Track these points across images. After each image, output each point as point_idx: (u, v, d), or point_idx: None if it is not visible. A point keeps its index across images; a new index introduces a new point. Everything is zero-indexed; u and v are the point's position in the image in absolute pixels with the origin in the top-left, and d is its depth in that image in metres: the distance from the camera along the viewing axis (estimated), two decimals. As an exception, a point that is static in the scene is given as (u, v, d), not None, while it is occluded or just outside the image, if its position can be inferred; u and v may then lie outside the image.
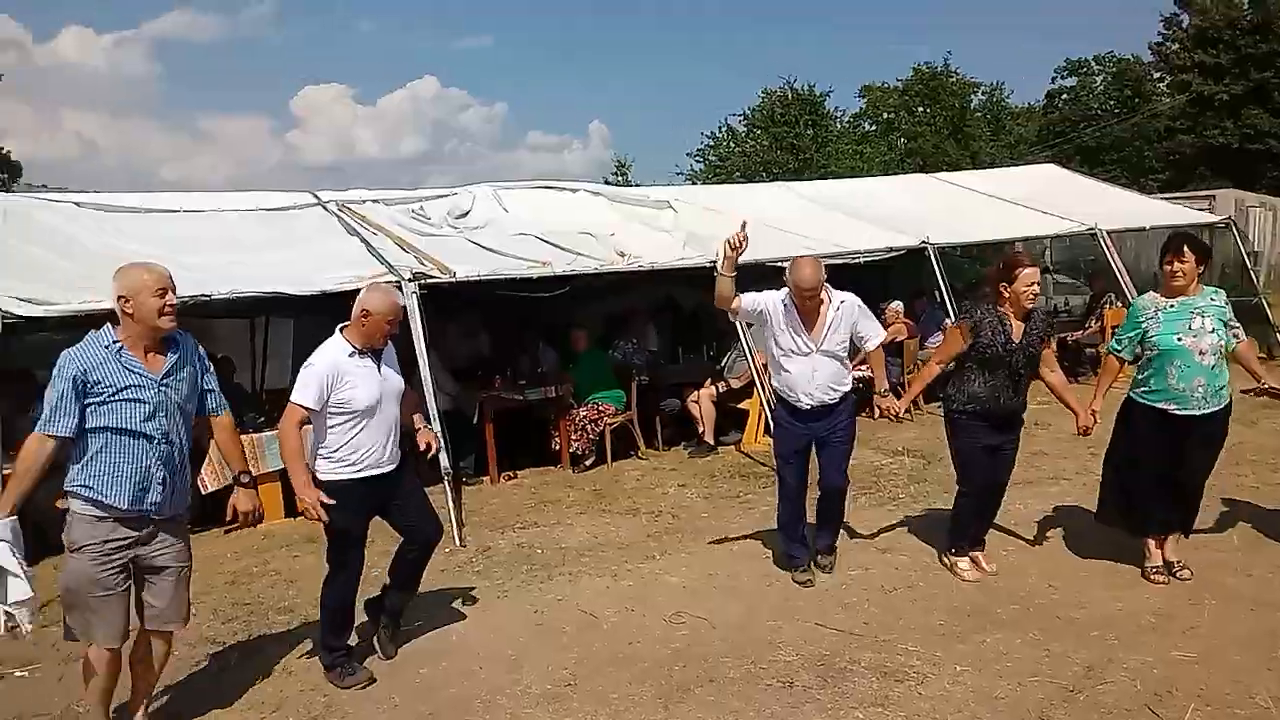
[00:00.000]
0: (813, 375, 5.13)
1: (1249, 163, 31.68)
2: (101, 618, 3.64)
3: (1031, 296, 5.00)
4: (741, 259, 9.43)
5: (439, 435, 4.77)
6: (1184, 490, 5.06)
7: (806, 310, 5.10)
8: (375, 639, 4.71)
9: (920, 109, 37.33)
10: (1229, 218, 12.68)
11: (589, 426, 8.72)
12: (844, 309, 5.16)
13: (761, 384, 8.47)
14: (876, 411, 5.53)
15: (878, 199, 12.41)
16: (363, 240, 8.42)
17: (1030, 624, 4.61)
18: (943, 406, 5.39)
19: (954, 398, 5.20)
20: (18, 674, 4.81)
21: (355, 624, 4.64)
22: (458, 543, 6.58)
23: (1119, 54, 40.75)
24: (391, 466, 4.43)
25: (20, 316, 6.27)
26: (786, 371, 5.21)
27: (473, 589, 5.63)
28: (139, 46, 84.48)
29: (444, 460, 6.94)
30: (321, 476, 4.25)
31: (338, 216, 9.06)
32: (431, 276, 7.59)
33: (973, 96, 38.17)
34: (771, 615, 4.93)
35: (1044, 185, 13.71)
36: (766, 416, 8.37)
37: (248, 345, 11.43)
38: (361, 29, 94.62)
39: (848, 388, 5.27)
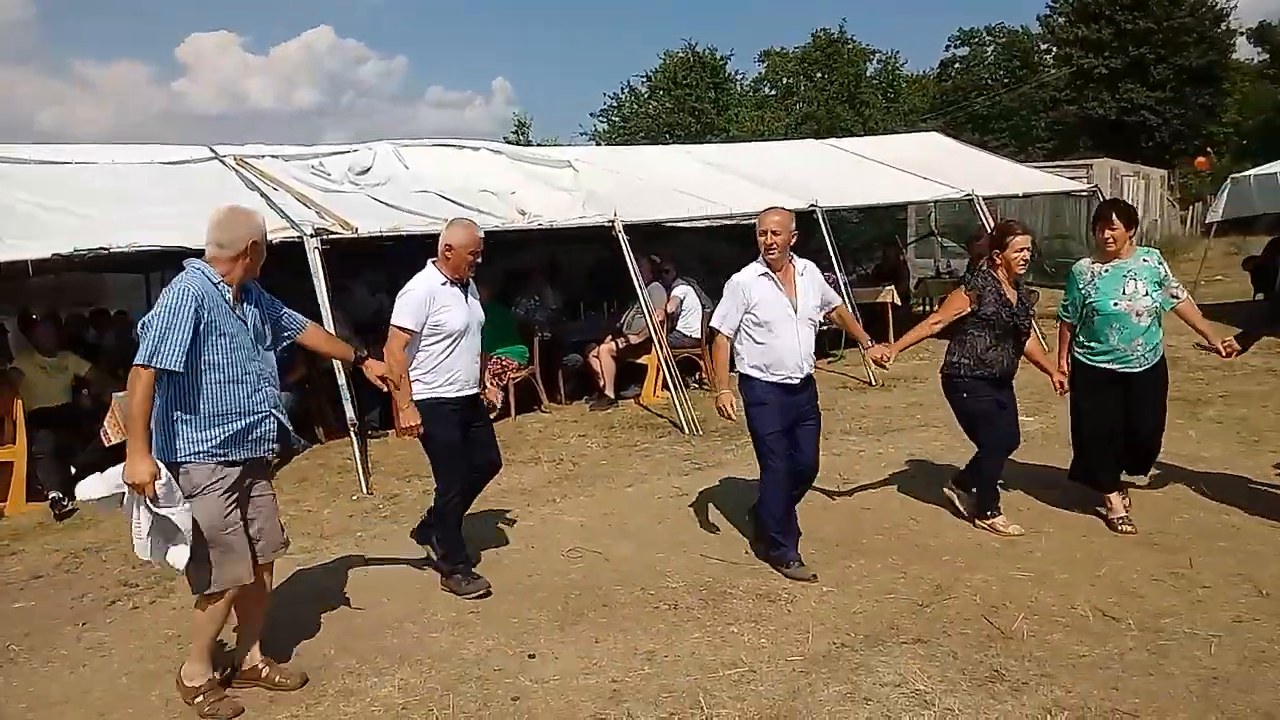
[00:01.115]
0: (795, 343, 4.90)
1: (1127, 134, 33.36)
2: (235, 554, 3.66)
3: (1022, 262, 5.19)
4: (638, 218, 9.76)
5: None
6: (1141, 439, 5.38)
7: (774, 266, 4.92)
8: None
9: (818, 75, 38.11)
10: (1095, 186, 13.59)
11: (493, 381, 8.99)
12: (810, 273, 5.07)
13: (659, 341, 8.86)
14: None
15: (771, 163, 12.84)
16: (262, 195, 8.45)
17: (890, 551, 5.13)
18: (944, 372, 5.49)
19: (959, 363, 5.34)
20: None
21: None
22: (364, 490, 6.83)
23: (1009, 25, 42.28)
24: (474, 390, 4.92)
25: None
26: (774, 342, 4.89)
27: (381, 532, 5.91)
28: (11, -13, 79.66)
29: (350, 412, 7.17)
30: (417, 396, 4.68)
31: (236, 171, 9.04)
32: (333, 232, 7.71)
33: (868, 64, 39.09)
34: (660, 550, 5.35)
35: (929, 152, 14.39)
36: (665, 373, 8.78)
37: (143, 300, 11.34)
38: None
39: (814, 361, 5.10)
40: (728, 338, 5.01)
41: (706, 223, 10.00)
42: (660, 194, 10.51)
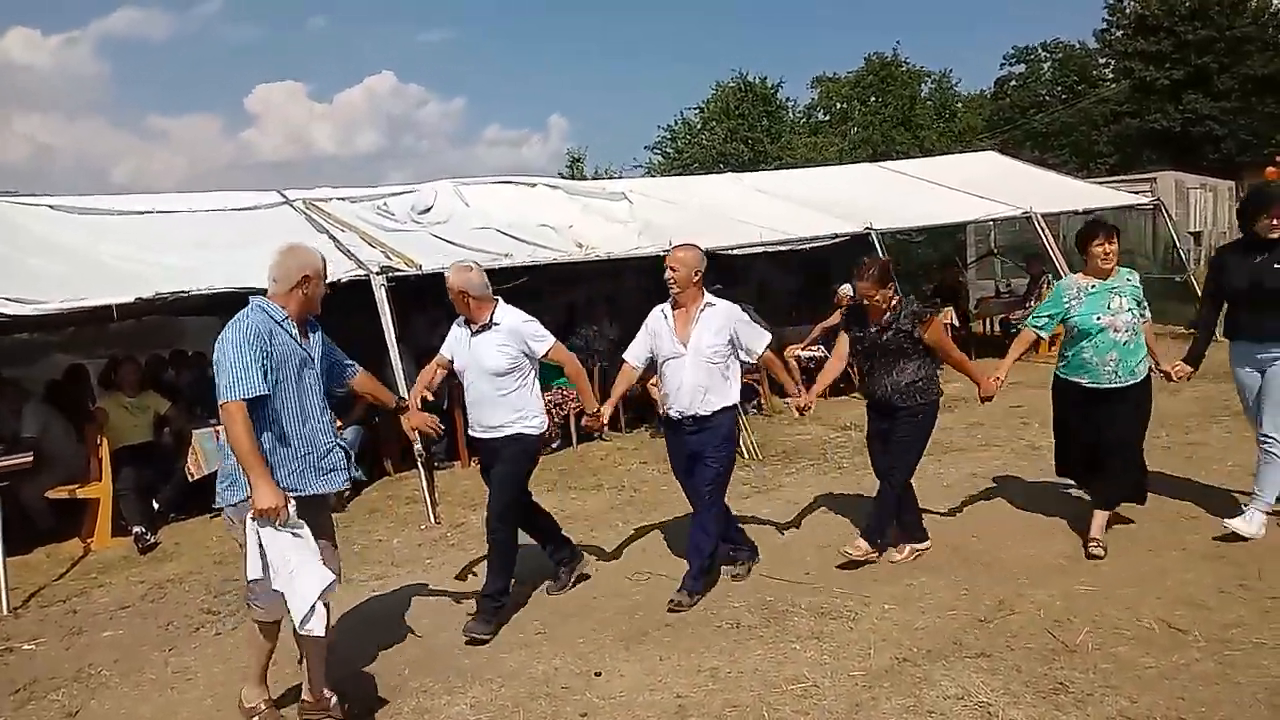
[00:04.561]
0: (681, 381, 4.94)
1: (1193, 145, 32.70)
2: None
3: (862, 297, 5.23)
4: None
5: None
6: (1106, 461, 5.29)
7: (677, 303, 5.04)
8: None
9: (871, 99, 38.06)
10: (1158, 200, 13.37)
11: (554, 411, 9.14)
12: (711, 311, 4.98)
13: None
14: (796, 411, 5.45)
15: (825, 188, 12.93)
16: (331, 237, 8.76)
17: (952, 569, 5.14)
18: None
19: None
20: (25, 647, 5.18)
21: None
22: (432, 520, 7.00)
23: (1065, 41, 41.75)
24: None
25: (9, 316, 6.48)
26: (666, 378, 5.08)
27: (449, 559, 6.07)
28: (87, 46, 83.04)
29: (416, 445, 7.38)
30: None
31: (305, 214, 9.38)
32: (398, 270, 7.98)
33: (922, 86, 38.93)
34: (722, 571, 5.40)
35: (985, 171, 14.35)
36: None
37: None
38: (317, 25, 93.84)
39: (722, 404, 4.97)
40: (631, 365, 5.24)
41: (760, 249, 10.06)
42: (713, 222, 10.63)
